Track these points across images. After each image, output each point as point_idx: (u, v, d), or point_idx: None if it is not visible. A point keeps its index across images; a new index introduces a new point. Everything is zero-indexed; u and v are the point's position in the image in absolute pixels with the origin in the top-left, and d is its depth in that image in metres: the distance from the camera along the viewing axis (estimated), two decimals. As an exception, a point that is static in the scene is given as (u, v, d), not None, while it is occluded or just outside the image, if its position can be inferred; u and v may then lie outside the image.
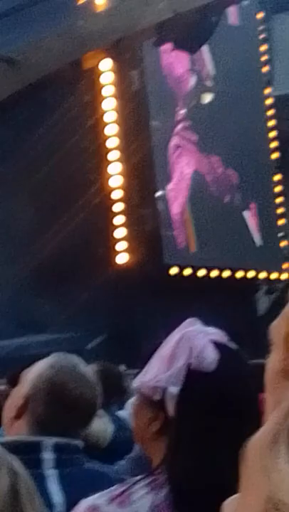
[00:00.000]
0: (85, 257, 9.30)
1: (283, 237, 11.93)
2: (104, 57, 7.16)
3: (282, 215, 11.99)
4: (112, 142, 9.75)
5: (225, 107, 11.04)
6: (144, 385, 1.51)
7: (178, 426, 1.46)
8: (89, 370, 2.07)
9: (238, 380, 1.48)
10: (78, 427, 1.95)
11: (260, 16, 12.02)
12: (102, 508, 1.42)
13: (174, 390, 1.47)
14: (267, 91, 11.96)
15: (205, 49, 10.07)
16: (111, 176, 9.73)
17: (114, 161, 9.72)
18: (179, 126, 10.67)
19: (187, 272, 10.17)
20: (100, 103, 9.79)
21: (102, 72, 9.63)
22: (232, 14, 11.29)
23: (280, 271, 11.41)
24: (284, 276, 11.26)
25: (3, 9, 7.36)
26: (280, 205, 11.99)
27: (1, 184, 9.40)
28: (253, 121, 11.36)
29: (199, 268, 10.31)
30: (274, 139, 11.94)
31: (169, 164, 10.46)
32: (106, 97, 9.73)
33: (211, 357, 1.46)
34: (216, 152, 11.07)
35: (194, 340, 1.48)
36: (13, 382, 2.01)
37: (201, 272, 10.35)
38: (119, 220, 9.72)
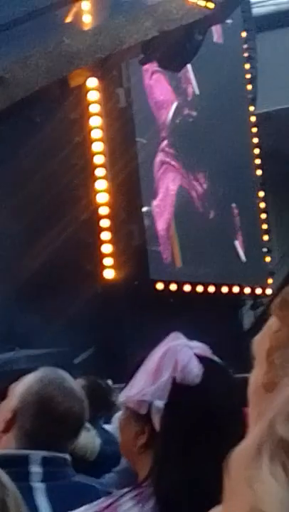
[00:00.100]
0: (72, 272, 9.29)
1: (267, 253, 11.99)
2: (91, 76, 7.22)
3: (266, 231, 12.06)
4: (100, 159, 9.79)
5: (209, 124, 11.09)
6: (130, 399, 1.52)
7: (164, 439, 1.47)
8: (77, 384, 2.09)
9: (222, 394, 1.49)
10: (66, 440, 1.95)
11: (244, 34, 12.14)
12: (90, 521, 1.44)
13: (159, 403, 1.48)
14: (251, 108, 12.07)
15: (189, 67, 10.13)
16: (98, 191, 9.76)
17: (101, 177, 9.76)
18: (164, 143, 10.73)
19: (173, 287, 10.19)
20: (88, 120, 9.83)
21: (89, 90, 9.69)
22: (216, 32, 11.38)
23: (265, 286, 11.44)
24: (268, 291, 11.29)
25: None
26: (264, 221, 12.07)
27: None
28: (237, 138, 11.42)
29: (185, 283, 10.33)
30: (258, 155, 12.03)
31: (154, 180, 10.50)
32: (93, 114, 9.78)
33: (195, 371, 1.48)
34: (201, 169, 11.13)
35: (179, 355, 1.49)
36: (1, 396, 2.03)
37: (187, 287, 10.37)
38: (106, 235, 9.75)
